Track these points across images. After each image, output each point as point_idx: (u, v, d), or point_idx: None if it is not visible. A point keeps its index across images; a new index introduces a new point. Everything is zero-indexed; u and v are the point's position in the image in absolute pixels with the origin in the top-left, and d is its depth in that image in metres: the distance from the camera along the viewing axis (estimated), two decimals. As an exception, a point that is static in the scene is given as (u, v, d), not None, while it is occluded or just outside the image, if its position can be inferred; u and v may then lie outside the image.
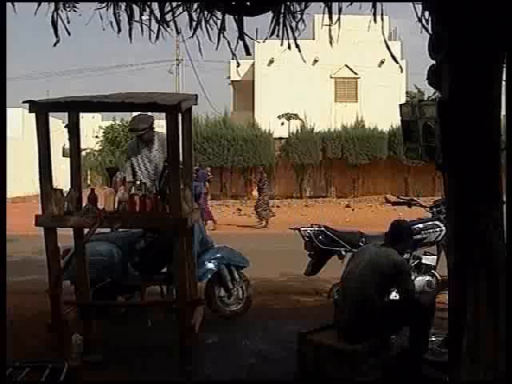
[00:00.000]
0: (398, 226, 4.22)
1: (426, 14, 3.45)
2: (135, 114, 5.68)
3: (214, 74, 48.18)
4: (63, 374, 3.26)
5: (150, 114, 5.35)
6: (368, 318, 3.78)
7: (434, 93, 3.45)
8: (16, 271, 6.72)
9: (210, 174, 15.27)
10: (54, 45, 3.81)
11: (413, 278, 5.04)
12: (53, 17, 3.72)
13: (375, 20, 3.53)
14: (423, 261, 5.63)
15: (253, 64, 25.04)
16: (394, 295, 4.38)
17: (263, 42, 3.88)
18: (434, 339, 4.06)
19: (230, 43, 3.71)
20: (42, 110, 4.00)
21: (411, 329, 3.93)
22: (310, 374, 3.87)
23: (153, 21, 3.76)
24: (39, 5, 3.71)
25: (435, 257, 5.67)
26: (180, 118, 4.17)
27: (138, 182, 4.50)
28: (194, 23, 3.71)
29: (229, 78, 28.38)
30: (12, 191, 18.66)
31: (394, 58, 3.73)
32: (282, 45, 3.85)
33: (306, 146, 22.79)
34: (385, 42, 3.65)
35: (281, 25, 3.71)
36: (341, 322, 3.96)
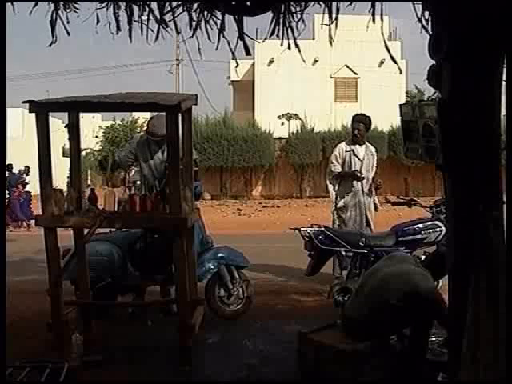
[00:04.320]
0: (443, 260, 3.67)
1: (426, 13, 3.44)
2: (152, 114, 5.30)
3: (214, 73, 48.38)
4: (63, 374, 3.26)
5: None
6: (379, 318, 3.73)
7: (434, 93, 3.44)
8: (16, 271, 6.73)
9: (24, 175, 14.82)
10: (50, 45, 3.82)
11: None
12: (52, 17, 3.72)
13: (374, 20, 3.53)
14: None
15: (253, 64, 25.06)
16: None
17: (263, 41, 3.88)
18: (433, 339, 4.05)
19: (229, 43, 3.70)
20: (41, 110, 4.00)
21: (412, 329, 3.92)
22: (311, 374, 3.86)
23: (153, 21, 3.76)
24: (35, 5, 3.71)
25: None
26: (180, 117, 4.17)
27: (139, 183, 4.48)
28: (194, 23, 3.71)
29: (229, 78, 28.44)
30: (12, 191, 18.63)
31: (393, 59, 3.73)
32: (282, 45, 3.84)
33: (306, 146, 22.79)
34: (384, 43, 3.64)
35: (281, 25, 3.70)
36: (347, 320, 3.90)
